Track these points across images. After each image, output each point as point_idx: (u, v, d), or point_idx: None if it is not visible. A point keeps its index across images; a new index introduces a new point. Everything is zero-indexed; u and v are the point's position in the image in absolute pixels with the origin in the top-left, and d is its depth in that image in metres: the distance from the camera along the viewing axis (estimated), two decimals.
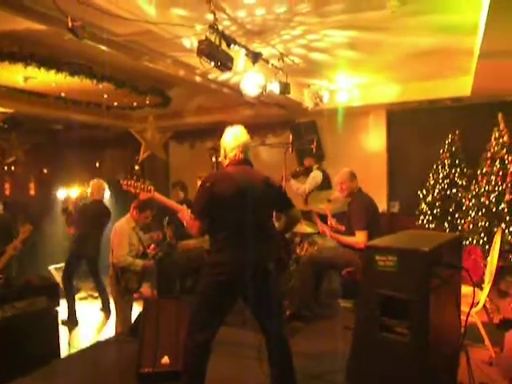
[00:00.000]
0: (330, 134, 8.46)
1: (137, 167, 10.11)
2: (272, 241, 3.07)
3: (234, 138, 3.08)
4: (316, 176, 6.54)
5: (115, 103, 7.68)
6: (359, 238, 4.32)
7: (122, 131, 9.30)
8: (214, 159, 5.01)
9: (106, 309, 6.17)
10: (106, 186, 6.37)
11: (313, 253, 5.04)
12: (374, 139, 8.40)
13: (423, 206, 7.24)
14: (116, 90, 6.28)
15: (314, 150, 6.46)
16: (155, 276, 5.05)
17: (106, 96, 6.76)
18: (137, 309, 4.93)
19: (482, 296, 3.77)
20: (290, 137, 6.27)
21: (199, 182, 3.14)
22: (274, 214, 3.72)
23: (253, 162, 3.12)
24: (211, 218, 2.92)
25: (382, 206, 7.55)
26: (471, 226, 6.35)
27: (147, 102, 7.43)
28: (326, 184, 6.48)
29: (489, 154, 6.46)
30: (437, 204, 7.11)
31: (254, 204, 2.89)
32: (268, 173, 3.10)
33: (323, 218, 5.16)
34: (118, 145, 10.52)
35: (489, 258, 4.15)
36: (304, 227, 5.28)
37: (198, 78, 6.02)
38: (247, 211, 2.86)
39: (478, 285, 4.18)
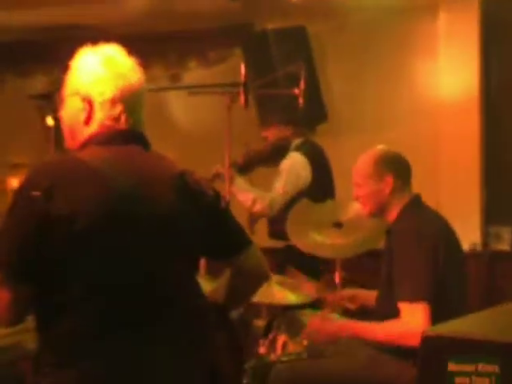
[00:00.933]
0: (341, 61, 6.09)
1: None
2: (201, 331, 2.24)
3: (102, 71, 2.16)
4: (296, 164, 5.25)
5: None
6: (412, 321, 3.45)
7: None
8: (50, 123, 4.19)
9: None
10: None
11: (300, 356, 4.13)
12: (450, 73, 5.86)
13: None
14: None
15: (301, 100, 5.14)
16: None
17: None
18: None
19: None
20: (242, 68, 4.77)
21: (14, 183, 2.77)
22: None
23: (150, 134, 2.27)
24: (43, 280, 2.09)
25: (469, 235, 5.67)
26: None
27: None
28: (323, 184, 5.30)
29: None
30: None
31: (151, 243, 2.06)
32: (188, 162, 2.40)
33: (317, 270, 4.53)
34: None
35: None
36: (277, 291, 4.35)
37: None
38: (135, 261, 2.03)
39: None
